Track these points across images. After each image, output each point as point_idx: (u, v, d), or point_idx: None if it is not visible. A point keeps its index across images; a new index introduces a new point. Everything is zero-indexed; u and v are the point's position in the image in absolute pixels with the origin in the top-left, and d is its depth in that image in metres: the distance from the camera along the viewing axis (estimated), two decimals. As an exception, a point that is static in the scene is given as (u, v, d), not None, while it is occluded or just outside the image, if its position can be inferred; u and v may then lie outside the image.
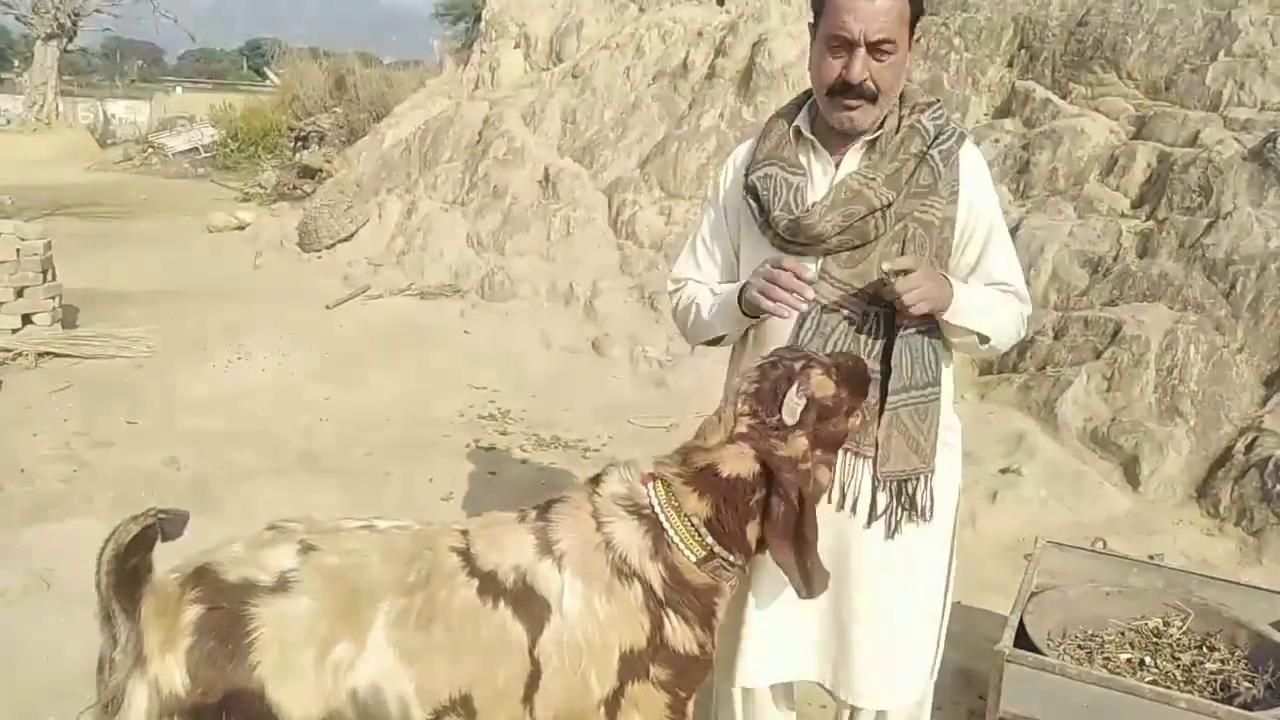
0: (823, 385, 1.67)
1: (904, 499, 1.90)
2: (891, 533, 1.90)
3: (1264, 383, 4.52)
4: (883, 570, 1.92)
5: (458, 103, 10.41)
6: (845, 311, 1.86)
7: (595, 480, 1.72)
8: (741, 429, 1.66)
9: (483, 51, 10.91)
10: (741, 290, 1.88)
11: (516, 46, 10.60)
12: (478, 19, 11.74)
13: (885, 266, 1.73)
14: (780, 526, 1.64)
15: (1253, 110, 5.66)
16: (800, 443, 1.65)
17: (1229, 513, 4.06)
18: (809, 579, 1.68)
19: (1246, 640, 2.52)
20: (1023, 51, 6.97)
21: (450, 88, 11.27)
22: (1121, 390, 4.66)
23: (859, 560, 1.92)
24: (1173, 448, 4.36)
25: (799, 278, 1.76)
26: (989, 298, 1.89)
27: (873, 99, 1.80)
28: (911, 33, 1.82)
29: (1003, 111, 6.78)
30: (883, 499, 1.90)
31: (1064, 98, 6.50)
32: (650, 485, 1.68)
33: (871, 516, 1.90)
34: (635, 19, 9.70)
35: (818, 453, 1.69)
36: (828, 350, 1.83)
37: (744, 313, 1.89)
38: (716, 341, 2.09)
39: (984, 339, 1.88)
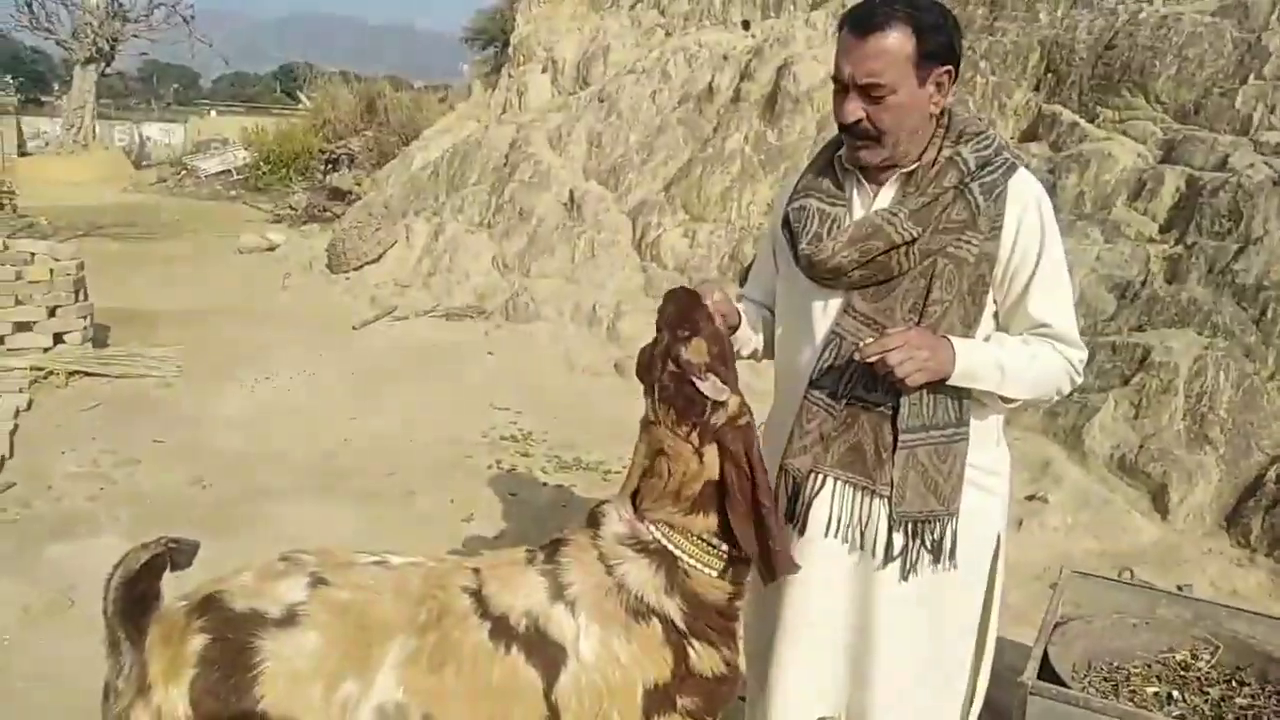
0: (698, 349, 1.66)
1: (925, 541, 1.85)
2: (906, 574, 1.86)
3: (1296, 410, 4.44)
4: (904, 610, 1.88)
5: (485, 126, 10.52)
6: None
7: (593, 521, 1.71)
8: (695, 440, 1.66)
9: (510, 75, 11.03)
10: None
11: (544, 71, 10.71)
12: (506, 44, 11.87)
13: (857, 357, 1.70)
14: (737, 498, 1.62)
15: (1284, 134, 5.59)
16: (733, 400, 1.67)
17: (1260, 543, 3.98)
18: (769, 560, 1.64)
19: (1278, 675, 2.46)
20: (1049, 75, 6.94)
21: (478, 111, 11.40)
22: (1149, 417, 4.59)
23: (881, 600, 1.88)
24: (1202, 476, 4.29)
25: None
26: (1008, 353, 1.80)
27: (875, 139, 1.78)
28: (924, 69, 1.75)
29: (1029, 135, 6.74)
30: (899, 540, 1.86)
31: (1091, 121, 6.46)
32: (648, 522, 1.67)
33: (888, 557, 1.86)
34: (661, 43, 9.76)
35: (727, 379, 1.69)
36: (845, 385, 1.84)
37: None
38: (753, 356, 2.12)
39: (1006, 398, 1.82)
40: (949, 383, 1.76)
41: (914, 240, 1.77)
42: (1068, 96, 6.74)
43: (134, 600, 1.46)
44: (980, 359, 1.77)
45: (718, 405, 1.64)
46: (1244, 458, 4.34)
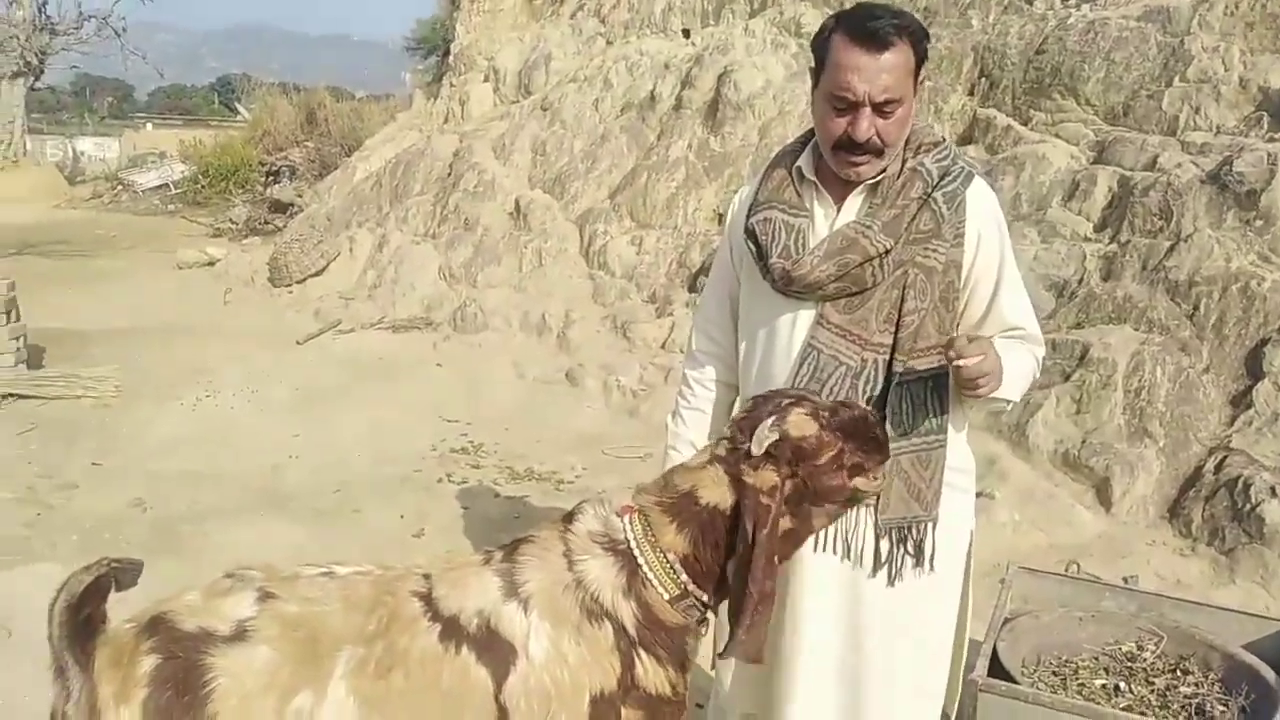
0: (801, 425, 1.62)
1: (908, 546, 1.87)
2: (892, 580, 1.88)
3: (1230, 402, 4.57)
4: (892, 618, 1.90)
5: (428, 136, 10.43)
6: (843, 357, 1.83)
7: (569, 518, 1.68)
8: (720, 452, 1.65)
9: (452, 85, 10.96)
10: None
11: (485, 80, 10.66)
12: (447, 53, 11.78)
13: (952, 355, 1.67)
14: (740, 564, 1.58)
15: (1208, 134, 5.76)
16: (768, 476, 1.59)
17: (1201, 533, 4.08)
18: (733, 637, 1.59)
19: (1220, 663, 2.53)
20: (983, 79, 7.08)
21: (420, 121, 11.29)
22: (1090, 412, 4.69)
23: (869, 610, 1.90)
24: (1143, 468, 4.39)
25: None
26: (1017, 360, 1.82)
27: (879, 153, 1.78)
28: (917, 78, 1.78)
29: (965, 139, 6.86)
30: (884, 547, 1.87)
31: (1025, 124, 6.60)
32: (627, 519, 1.64)
33: (876, 565, 1.88)
34: (603, 52, 9.77)
35: (799, 499, 1.62)
36: (827, 398, 1.79)
37: None
38: None
39: (1006, 401, 1.85)
40: (996, 394, 1.76)
41: (888, 251, 1.78)
42: (1001, 100, 6.88)
43: (79, 624, 1.43)
44: (1012, 368, 1.78)
45: (749, 455, 1.59)
46: (1183, 449, 4.45)
